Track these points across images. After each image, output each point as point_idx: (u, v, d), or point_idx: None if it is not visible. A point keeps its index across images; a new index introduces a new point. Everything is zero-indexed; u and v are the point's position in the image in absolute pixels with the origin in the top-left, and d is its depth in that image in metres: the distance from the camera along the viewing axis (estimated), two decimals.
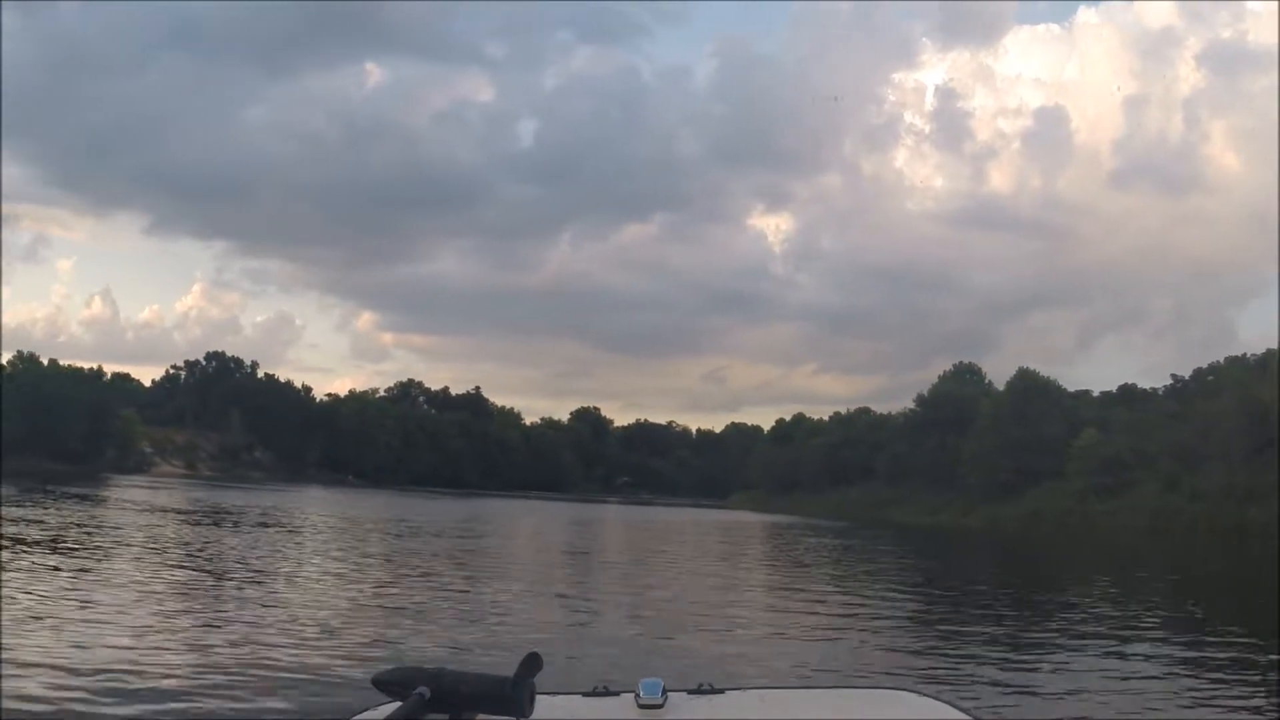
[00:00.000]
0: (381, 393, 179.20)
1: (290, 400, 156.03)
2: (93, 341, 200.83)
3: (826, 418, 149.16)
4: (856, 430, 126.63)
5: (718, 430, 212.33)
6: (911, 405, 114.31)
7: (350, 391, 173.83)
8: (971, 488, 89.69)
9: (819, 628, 17.20)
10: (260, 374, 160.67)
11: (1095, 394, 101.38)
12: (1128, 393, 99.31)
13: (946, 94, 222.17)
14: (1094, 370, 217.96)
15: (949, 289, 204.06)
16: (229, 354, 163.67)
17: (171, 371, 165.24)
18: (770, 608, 20.29)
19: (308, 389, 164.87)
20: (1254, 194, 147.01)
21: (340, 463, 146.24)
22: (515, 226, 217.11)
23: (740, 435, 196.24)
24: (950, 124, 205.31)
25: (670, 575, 28.19)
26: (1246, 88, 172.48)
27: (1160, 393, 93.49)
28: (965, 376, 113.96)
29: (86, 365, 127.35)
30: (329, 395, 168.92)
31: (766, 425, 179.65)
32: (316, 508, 57.77)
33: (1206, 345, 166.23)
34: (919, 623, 18.84)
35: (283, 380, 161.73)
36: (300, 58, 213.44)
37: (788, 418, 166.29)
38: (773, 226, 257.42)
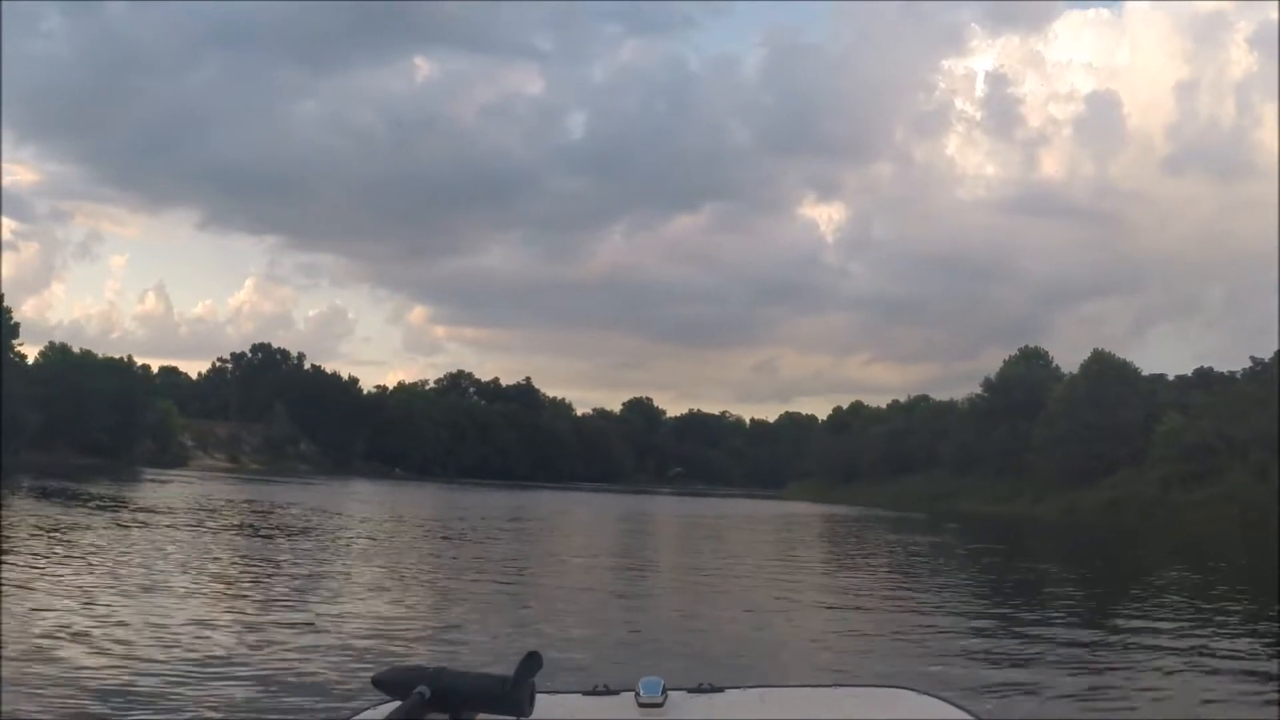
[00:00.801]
0: (431, 384, 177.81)
1: (337, 392, 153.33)
2: (146, 337, 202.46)
3: (884, 406, 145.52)
4: (919, 417, 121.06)
5: (771, 420, 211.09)
6: (977, 391, 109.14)
7: (399, 384, 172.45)
8: (1043, 476, 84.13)
9: (879, 631, 16.11)
10: (307, 366, 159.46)
11: (1170, 378, 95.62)
12: (1204, 376, 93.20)
13: (997, 80, 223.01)
14: (1148, 360, 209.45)
15: (1001, 277, 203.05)
16: (276, 347, 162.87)
17: (218, 364, 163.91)
18: (839, 607, 18.94)
19: (354, 380, 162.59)
20: None
21: (387, 455, 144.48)
22: (565, 219, 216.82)
23: (794, 425, 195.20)
24: (1001, 110, 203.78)
25: (721, 576, 25.11)
26: None
27: (1239, 376, 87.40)
28: (1032, 361, 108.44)
29: (136, 359, 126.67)
30: (378, 388, 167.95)
31: (821, 415, 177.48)
32: (349, 502, 55.29)
33: (1260, 333, 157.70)
34: (996, 624, 17.29)
35: (330, 373, 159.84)
36: (348, 53, 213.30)
37: (844, 406, 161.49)
38: (824, 216, 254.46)
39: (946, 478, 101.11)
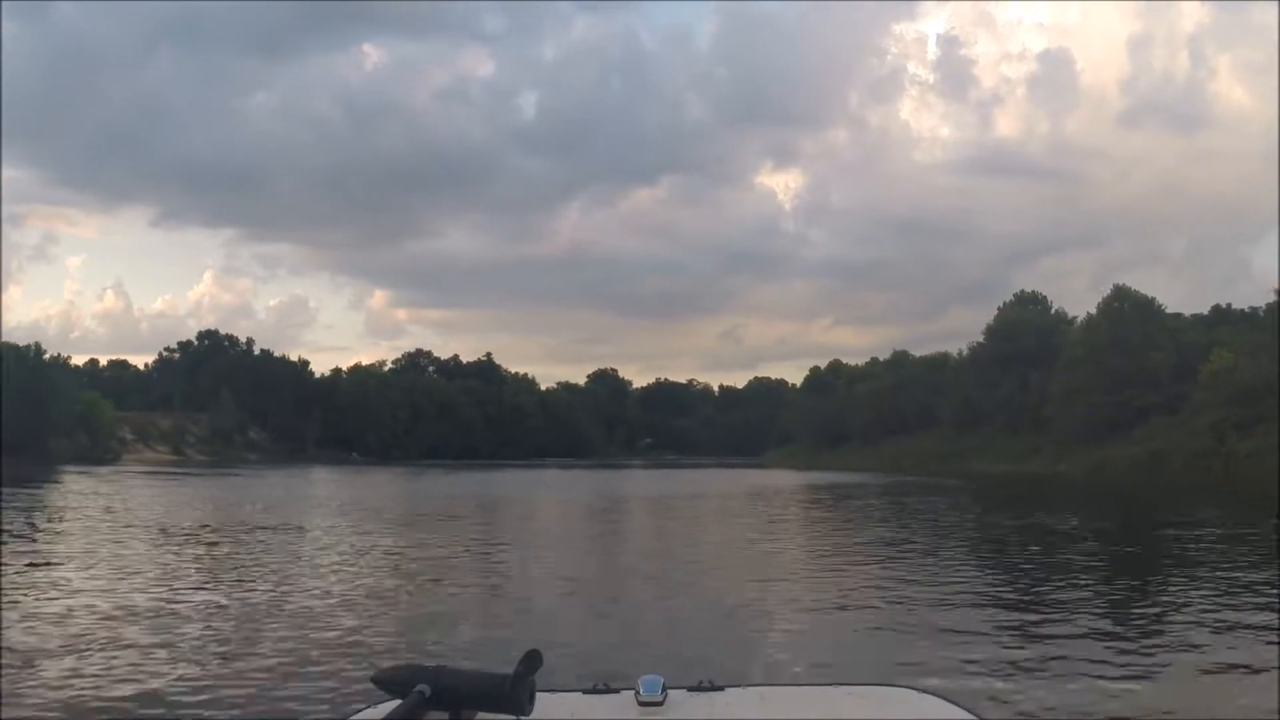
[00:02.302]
0: (389, 365, 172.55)
1: (287, 376, 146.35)
2: (107, 335, 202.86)
3: (861, 364, 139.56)
4: (911, 371, 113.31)
5: (740, 387, 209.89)
6: (961, 347, 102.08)
7: (354, 365, 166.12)
8: (1063, 429, 76.67)
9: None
10: (257, 350, 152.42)
11: (1186, 316, 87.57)
12: (1221, 314, 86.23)
13: (949, 42, 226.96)
14: None
15: (962, 238, 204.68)
16: (225, 333, 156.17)
17: (165, 354, 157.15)
18: (854, 606, 14.92)
19: (305, 363, 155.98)
20: (1265, 128, 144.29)
21: (343, 440, 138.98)
22: (524, 198, 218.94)
23: (765, 390, 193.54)
24: (954, 73, 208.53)
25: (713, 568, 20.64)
26: (1253, 20, 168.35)
27: (1261, 312, 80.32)
28: (1029, 306, 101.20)
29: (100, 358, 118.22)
30: (333, 371, 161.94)
31: (790, 380, 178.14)
32: (289, 491, 50.16)
33: (1225, 283, 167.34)
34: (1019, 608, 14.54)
35: (279, 356, 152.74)
36: (299, 43, 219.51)
37: (820, 367, 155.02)
38: (782, 184, 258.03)
39: (949, 436, 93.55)
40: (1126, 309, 77.49)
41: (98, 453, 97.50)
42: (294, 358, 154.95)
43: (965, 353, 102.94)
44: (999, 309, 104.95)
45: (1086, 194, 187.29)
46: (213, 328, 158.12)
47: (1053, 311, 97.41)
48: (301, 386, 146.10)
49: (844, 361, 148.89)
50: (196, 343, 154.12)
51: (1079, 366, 75.28)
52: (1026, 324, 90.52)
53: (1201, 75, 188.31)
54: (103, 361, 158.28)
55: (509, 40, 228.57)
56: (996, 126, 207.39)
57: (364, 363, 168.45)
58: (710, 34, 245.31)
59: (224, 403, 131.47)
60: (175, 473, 73.45)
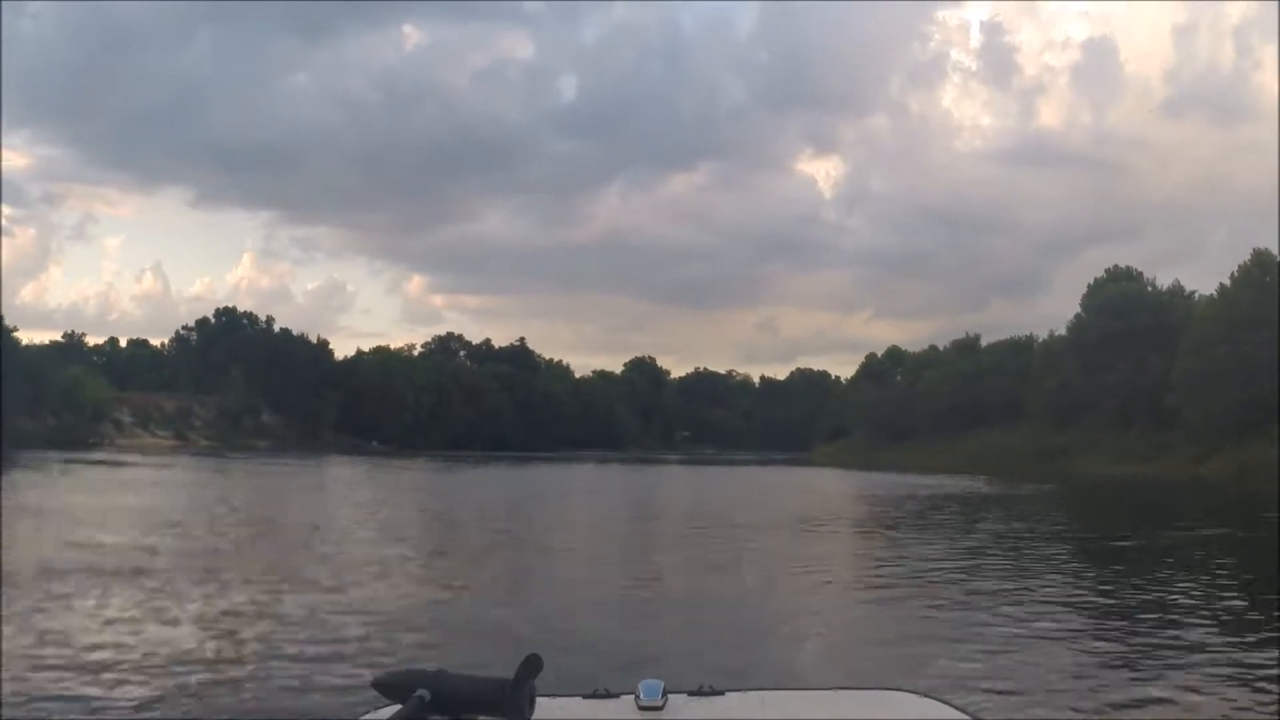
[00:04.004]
0: (419, 348, 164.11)
1: (304, 357, 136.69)
2: (144, 317, 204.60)
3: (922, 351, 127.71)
4: (994, 357, 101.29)
5: (781, 378, 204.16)
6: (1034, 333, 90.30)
7: (375, 347, 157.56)
8: (1197, 423, 64.64)
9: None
10: (276, 329, 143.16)
11: None
12: None
13: (992, 29, 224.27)
14: None
15: (1001, 228, 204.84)
16: (243, 310, 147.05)
17: (182, 333, 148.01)
18: None
19: (325, 343, 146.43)
20: None
21: (362, 426, 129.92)
22: (561, 182, 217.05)
23: (807, 382, 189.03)
24: (997, 60, 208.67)
25: None
26: None
27: None
28: (1123, 281, 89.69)
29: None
30: (358, 352, 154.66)
31: (834, 372, 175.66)
32: (276, 489, 43.61)
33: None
34: None
35: (298, 335, 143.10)
36: (338, 23, 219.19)
37: (847, 365, 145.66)
38: (822, 171, 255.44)
39: (1043, 430, 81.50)
40: (1268, 280, 65.31)
41: (81, 436, 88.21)
42: (337, 344, 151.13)
43: (1055, 335, 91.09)
44: (1089, 286, 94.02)
45: (1128, 185, 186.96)
46: (240, 308, 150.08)
47: (1148, 287, 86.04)
48: (320, 368, 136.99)
49: (902, 348, 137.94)
50: (214, 320, 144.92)
51: (1215, 348, 63.43)
52: (1140, 298, 78.54)
53: (1247, 66, 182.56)
54: (122, 342, 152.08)
55: (548, 23, 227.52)
56: (1039, 115, 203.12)
57: (398, 348, 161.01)
58: (751, 18, 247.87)
59: (234, 382, 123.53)
60: (140, 464, 62.80)
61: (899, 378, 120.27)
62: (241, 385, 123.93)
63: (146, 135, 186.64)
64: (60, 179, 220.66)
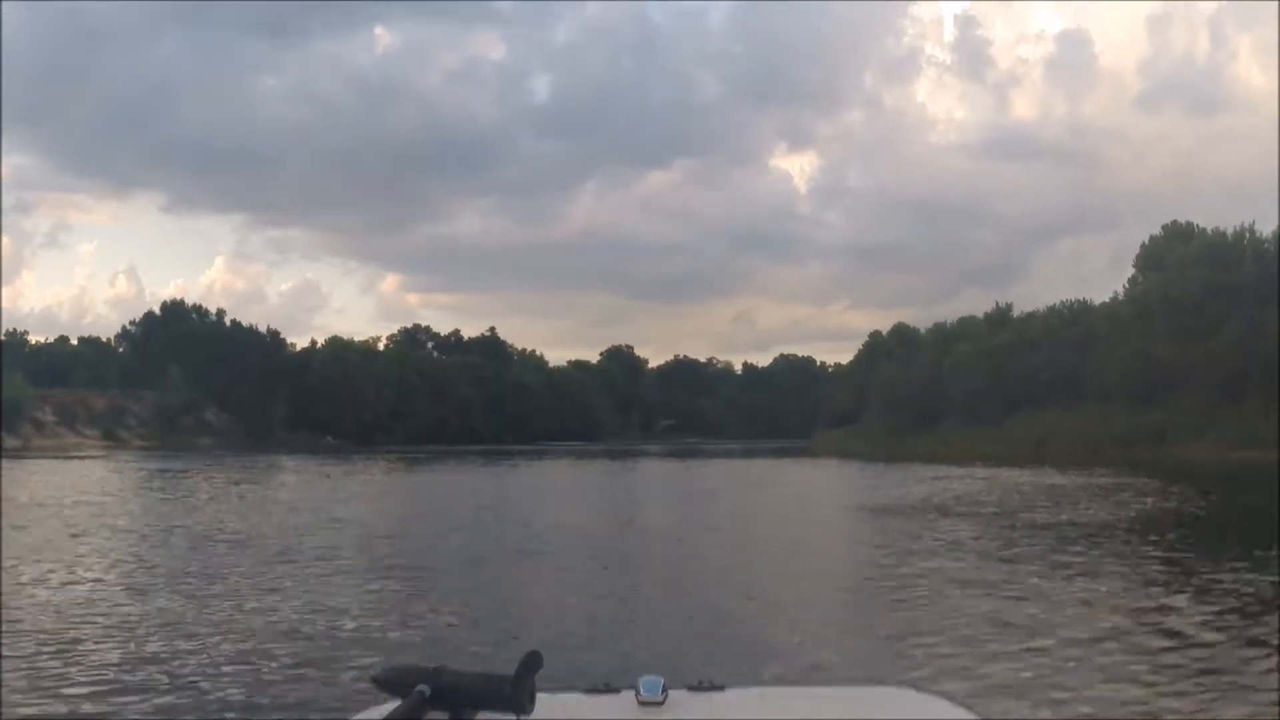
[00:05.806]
0: (384, 340, 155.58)
1: (251, 349, 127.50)
2: (118, 319, 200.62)
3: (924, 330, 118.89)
4: (1045, 324, 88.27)
5: (763, 365, 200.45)
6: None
7: (331, 337, 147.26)
8: None
9: None
10: (227, 321, 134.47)
11: None
12: None
13: (966, 23, 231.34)
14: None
15: (977, 220, 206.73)
16: (192, 303, 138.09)
17: (129, 328, 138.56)
18: None
19: (276, 334, 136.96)
20: None
21: (318, 421, 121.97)
22: (536, 181, 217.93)
23: (792, 368, 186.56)
24: (971, 54, 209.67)
25: None
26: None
27: None
28: (1175, 239, 78.16)
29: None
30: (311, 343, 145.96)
31: (818, 359, 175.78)
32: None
33: None
34: None
35: (247, 326, 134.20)
36: (308, 24, 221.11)
37: (824, 354, 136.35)
38: (797, 166, 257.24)
39: (1120, 411, 68.83)
40: None
41: None
42: (278, 333, 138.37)
43: (1121, 295, 79.01)
44: (1143, 245, 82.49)
45: (1103, 176, 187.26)
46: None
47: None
48: (270, 361, 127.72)
49: (909, 325, 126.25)
50: (159, 313, 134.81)
51: None
52: (1235, 248, 66.36)
53: (1221, 58, 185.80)
54: (73, 340, 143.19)
55: (521, 22, 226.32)
56: (1014, 108, 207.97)
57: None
58: (724, 15, 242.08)
59: (173, 378, 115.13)
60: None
61: (920, 354, 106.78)
62: (180, 380, 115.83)
63: (117, 140, 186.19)
64: (32, 187, 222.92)
